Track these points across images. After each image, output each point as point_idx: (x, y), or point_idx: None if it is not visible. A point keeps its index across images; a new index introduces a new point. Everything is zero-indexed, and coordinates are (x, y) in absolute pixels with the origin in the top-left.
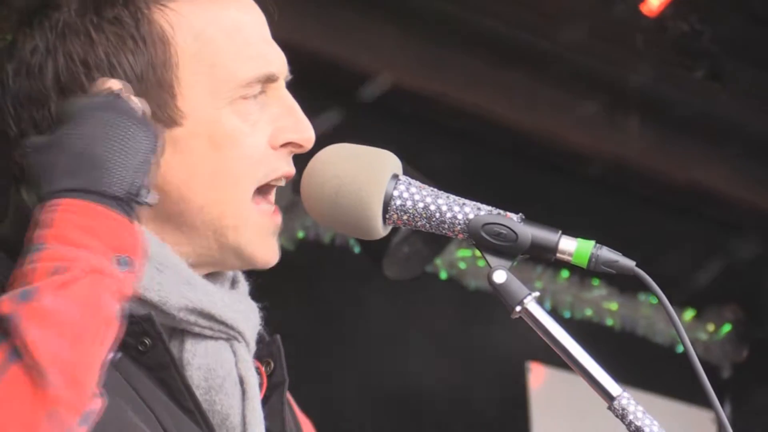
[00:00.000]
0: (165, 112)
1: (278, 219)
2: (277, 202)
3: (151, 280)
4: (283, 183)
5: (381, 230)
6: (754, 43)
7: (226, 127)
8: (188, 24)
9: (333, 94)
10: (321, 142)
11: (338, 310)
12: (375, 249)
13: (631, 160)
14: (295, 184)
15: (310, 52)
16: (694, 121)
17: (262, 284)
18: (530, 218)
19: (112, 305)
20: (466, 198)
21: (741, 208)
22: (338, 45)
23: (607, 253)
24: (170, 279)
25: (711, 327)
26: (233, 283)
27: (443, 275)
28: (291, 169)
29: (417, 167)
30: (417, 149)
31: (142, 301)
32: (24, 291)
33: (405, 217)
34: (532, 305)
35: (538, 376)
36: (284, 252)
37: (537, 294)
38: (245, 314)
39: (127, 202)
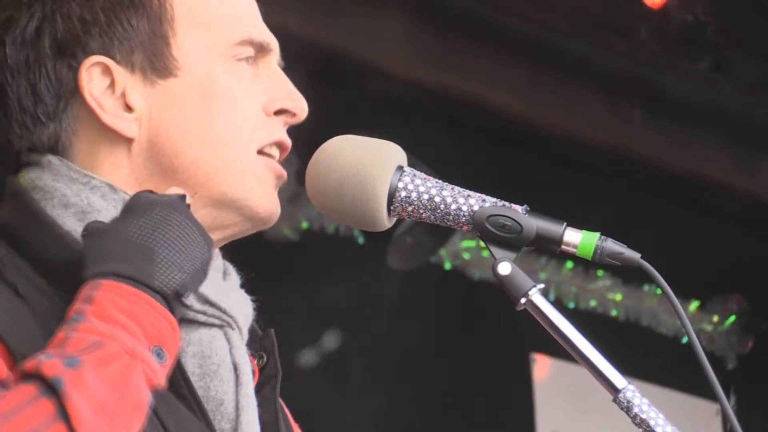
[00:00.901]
0: (161, 61)
1: (281, 171)
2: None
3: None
4: (277, 154)
5: (386, 222)
6: (758, 34)
7: (221, 83)
8: None
9: (334, 83)
10: (323, 133)
11: (342, 301)
12: (379, 239)
13: (633, 151)
14: (298, 175)
15: (310, 40)
16: (697, 111)
17: (266, 274)
18: (532, 209)
19: (145, 392)
20: (468, 189)
21: (745, 199)
22: (340, 34)
23: (612, 245)
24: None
25: (715, 318)
26: (224, 275)
27: (447, 266)
28: (286, 138)
29: (417, 157)
30: (417, 139)
31: None
32: (69, 359)
33: (410, 209)
34: (536, 297)
35: (543, 367)
36: (288, 243)
37: (542, 286)
38: (239, 302)
39: (172, 300)
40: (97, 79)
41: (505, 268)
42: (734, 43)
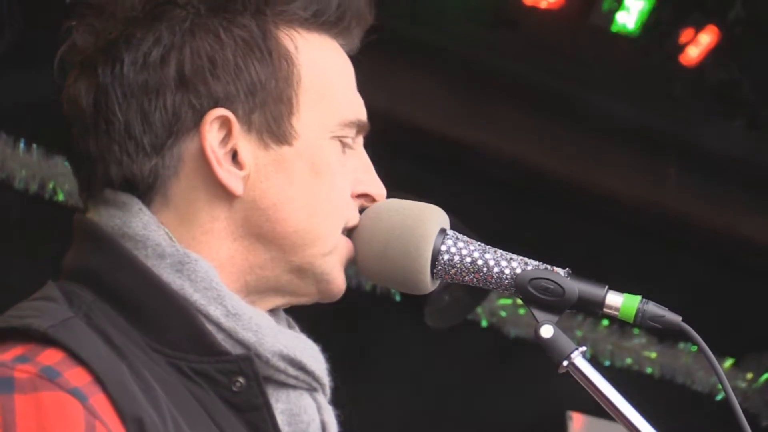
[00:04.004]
0: (280, 127)
1: (353, 253)
2: None
3: (249, 320)
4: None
5: (429, 285)
6: None
7: (327, 158)
8: (308, 52)
9: (375, 142)
10: None
11: (380, 358)
12: (416, 297)
13: (670, 209)
14: None
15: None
16: (733, 169)
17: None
18: (567, 264)
19: None
20: (506, 248)
21: None
22: (379, 93)
23: (654, 308)
24: (266, 322)
25: (750, 375)
26: (289, 325)
27: (484, 323)
28: (358, 221)
29: (455, 214)
30: (455, 197)
31: (237, 340)
32: None
33: (452, 272)
34: (579, 360)
35: (578, 425)
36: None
37: (584, 348)
38: (315, 357)
39: None
40: (216, 128)
41: (547, 331)
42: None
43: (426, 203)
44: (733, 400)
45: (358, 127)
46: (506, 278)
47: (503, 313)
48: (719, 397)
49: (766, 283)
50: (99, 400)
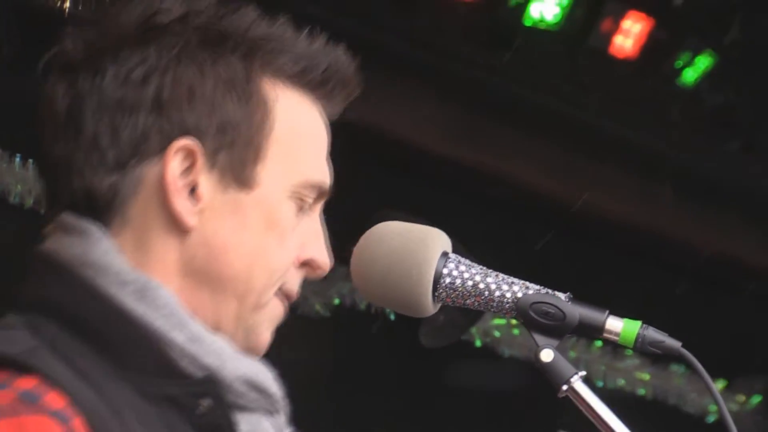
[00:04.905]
0: (243, 171)
1: (283, 315)
2: None
3: (211, 345)
4: (285, 300)
5: (431, 308)
6: None
7: (283, 214)
8: (286, 106)
9: (367, 160)
10: (358, 210)
11: (373, 377)
12: (411, 317)
13: (665, 231)
14: (333, 250)
15: (341, 117)
16: (728, 193)
17: (301, 350)
18: (563, 285)
19: None
20: (504, 269)
21: None
22: (376, 113)
23: (654, 334)
24: (227, 347)
25: (741, 398)
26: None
27: (478, 343)
28: (297, 292)
29: (451, 234)
30: (452, 217)
31: (200, 365)
32: None
33: (454, 295)
34: (578, 384)
35: None
36: (320, 318)
37: (583, 373)
38: (275, 382)
39: None
40: (180, 159)
41: (547, 356)
42: (763, 125)
43: (428, 226)
44: (730, 426)
45: (320, 192)
46: (507, 302)
47: (497, 333)
48: (711, 419)
49: (758, 305)
50: (77, 424)
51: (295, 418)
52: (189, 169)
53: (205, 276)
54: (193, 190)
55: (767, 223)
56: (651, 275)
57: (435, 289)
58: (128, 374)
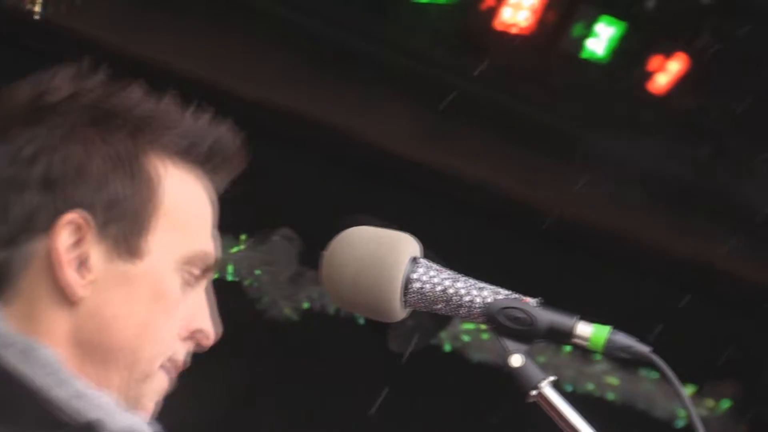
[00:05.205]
0: (132, 243)
1: (167, 388)
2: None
3: (96, 400)
4: (172, 371)
5: (400, 313)
6: (759, 121)
7: (170, 286)
8: (173, 182)
9: (338, 164)
10: (327, 214)
11: (342, 381)
12: (380, 321)
13: (636, 236)
14: (301, 255)
15: (314, 120)
16: (698, 197)
17: (268, 355)
18: (533, 289)
19: None
20: (472, 272)
21: (741, 284)
22: (348, 116)
23: (623, 339)
24: (111, 402)
25: (711, 403)
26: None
27: (447, 348)
28: (184, 363)
29: (421, 239)
30: (421, 221)
31: (83, 418)
32: None
33: (423, 300)
34: (547, 389)
35: None
36: (290, 323)
37: (553, 378)
38: None
39: None
40: (68, 233)
41: (517, 361)
42: (735, 130)
43: (398, 231)
44: (699, 431)
45: (205, 266)
46: (477, 307)
47: (466, 338)
48: (680, 424)
49: (728, 310)
50: None
51: (266, 421)
52: (79, 242)
53: (93, 345)
54: (83, 263)
55: (738, 228)
56: (621, 280)
57: (404, 293)
58: (15, 429)
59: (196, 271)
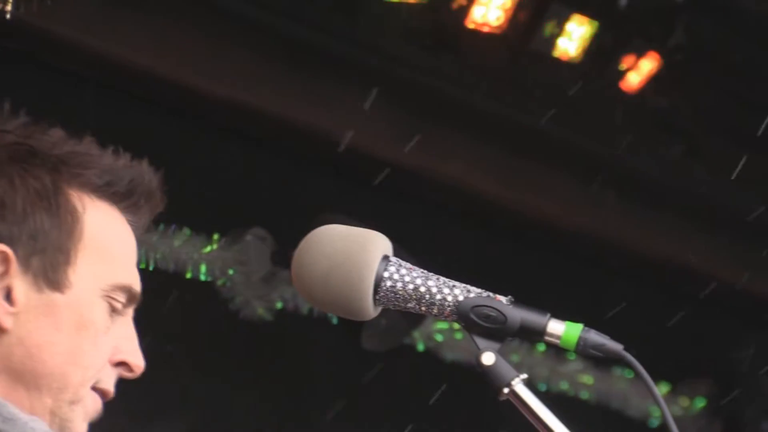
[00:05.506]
0: (55, 274)
1: (100, 410)
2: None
3: (24, 425)
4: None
5: (371, 312)
6: (731, 120)
7: (95, 316)
8: (94, 215)
9: (311, 164)
10: (297, 213)
11: (317, 381)
12: (353, 321)
13: (607, 234)
14: (274, 255)
15: (285, 120)
16: (670, 196)
17: (243, 353)
18: (505, 290)
19: None
20: (444, 272)
21: (713, 283)
22: (318, 114)
23: (595, 337)
24: (41, 427)
25: (685, 402)
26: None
27: (420, 347)
28: (113, 391)
29: (390, 237)
30: (393, 220)
31: None
32: None
33: (395, 299)
34: (519, 387)
35: None
36: (263, 323)
37: (525, 376)
38: None
39: None
40: None
41: (488, 359)
42: (707, 129)
43: (369, 230)
44: (673, 429)
45: (130, 295)
46: (448, 305)
47: (439, 338)
48: (654, 424)
49: (701, 308)
50: None
51: (240, 421)
52: (3, 275)
53: (21, 374)
54: (8, 294)
55: (711, 227)
56: (594, 279)
57: (376, 292)
58: None
59: (121, 300)
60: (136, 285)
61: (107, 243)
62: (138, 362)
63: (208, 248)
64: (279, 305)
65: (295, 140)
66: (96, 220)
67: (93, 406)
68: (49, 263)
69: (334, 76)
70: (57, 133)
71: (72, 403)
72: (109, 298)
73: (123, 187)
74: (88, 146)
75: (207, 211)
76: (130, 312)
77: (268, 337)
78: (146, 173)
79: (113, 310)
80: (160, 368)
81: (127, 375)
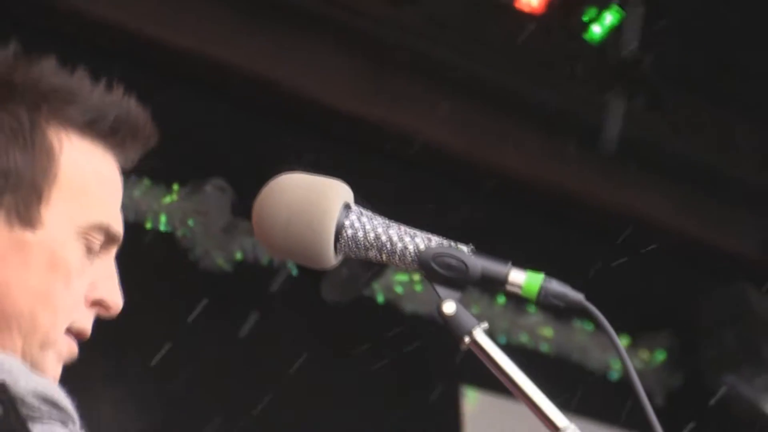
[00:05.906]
0: (27, 212)
1: (75, 353)
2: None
3: (1, 363)
4: (75, 343)
5: (333, 260)
6: (693, 72)
7: (68, 255)
8: (73, 154)
9: (271, 115)
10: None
11: (275, 333)
12: (313, 271)
13: (569, 188)
14: (234, 206)
15: (247, 72)
16: (632, 148)
17: (206, 305)
18: (465, 241)
19: None
20: (411, 224)
21: (676, 236)
22: (281, 68)
23: (556, 286)
24: (17, 365)
25: (645, 354)
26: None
27: (380, 299)
28: (89, 331)
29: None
30: (356, 173)
31: None
32: None
33: (356, 247)
34: (480, 336)
35: (473, 401)
36: (223, 273)
37: (486, 325)
38: (65, 396)
39: None
40: None
41: (450, 308)
42: (670, 81)
43: (330, 178)
44: (634, 377)
45: (108, 235)
46: (410, 254)
47: (399, 289)
48: (614, 376)
49: (662, 261)
50: None
51: (196, 372)
52: None
53: None
54: None
55: (671, 181)
56: (554, 232)
57: (336, 240)
58: None
59: (98, 240)
60: (116, 224)
61: (85, 182)
62: (115, 300)
63: (168, 198)
64: (239, 256)
65: (257, 92)
66: (74, 158)
67: (68, 349)
68: (22, 201)
69: (296, 30)
70: (46, 66)
71: (43, 346)
72: (85, 237)
73: (107, 125)
74: (76, 81)
75: (167, 161)
76: (111, 252)
77: (229, 288)
78: (133, 109)
79: (90, 251)
80: (119, 317)
81: (104, 314)
